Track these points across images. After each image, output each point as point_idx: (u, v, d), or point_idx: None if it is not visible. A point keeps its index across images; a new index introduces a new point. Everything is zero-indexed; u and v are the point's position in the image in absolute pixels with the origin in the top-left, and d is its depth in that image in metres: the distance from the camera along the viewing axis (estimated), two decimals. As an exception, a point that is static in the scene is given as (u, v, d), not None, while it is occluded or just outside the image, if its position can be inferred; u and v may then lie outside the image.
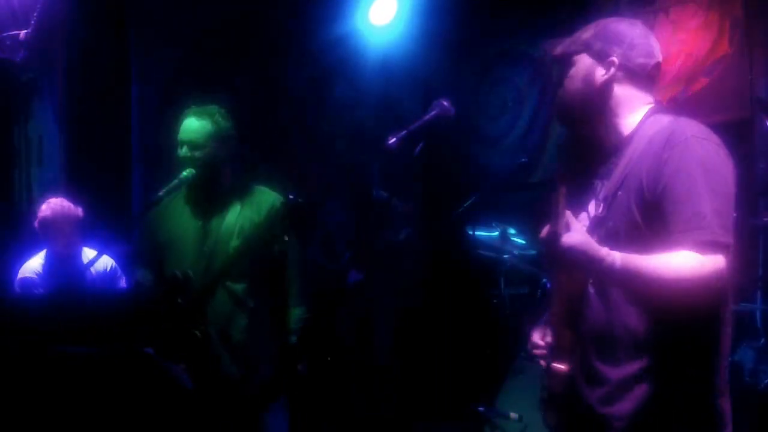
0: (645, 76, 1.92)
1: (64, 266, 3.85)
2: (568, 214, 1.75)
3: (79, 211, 3.93)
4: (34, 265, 3.93)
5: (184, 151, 3.01)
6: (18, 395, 2.36)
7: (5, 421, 2.33)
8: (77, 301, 2.79)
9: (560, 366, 1.87)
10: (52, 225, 3.84)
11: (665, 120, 1.84)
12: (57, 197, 3.95)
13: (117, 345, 2.52)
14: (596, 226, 1.87)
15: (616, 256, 1.72)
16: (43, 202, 3.94)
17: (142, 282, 3.14)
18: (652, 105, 1.92)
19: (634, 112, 1.90)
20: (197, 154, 3.01)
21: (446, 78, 5.46)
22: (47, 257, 3.93)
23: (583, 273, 1.86)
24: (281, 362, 3.13)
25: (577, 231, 1.74)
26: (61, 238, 3.85)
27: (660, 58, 1.94)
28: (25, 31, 4.48)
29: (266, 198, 3.14)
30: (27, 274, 3.90)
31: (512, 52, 5.49)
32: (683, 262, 1.67)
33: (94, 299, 2.94)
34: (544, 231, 1.80)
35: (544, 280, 3.96)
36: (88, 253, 3.96)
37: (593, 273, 1.82)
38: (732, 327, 1.85)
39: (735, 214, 1.75)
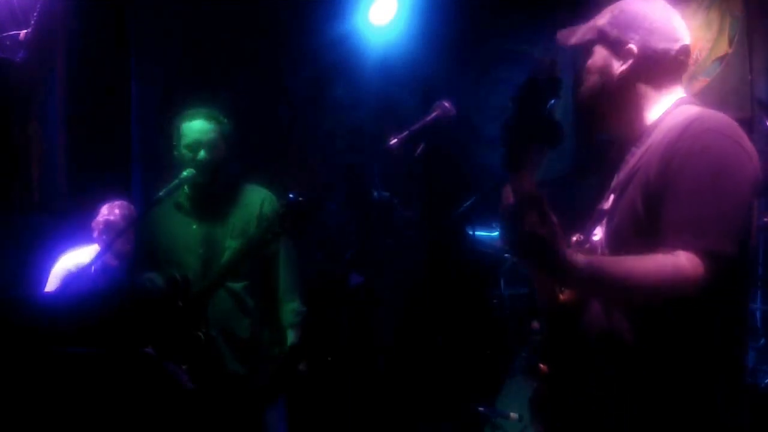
0: (669, 62, 1.73)
1: (119, 271, 3.76)
2: (541, 198, 1.49)
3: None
4: (79, 259, 3.81)
5: (202, 154, 3.00)
6: (19, 395, 2.36)
7: (6, 421, 2.33)
8: (79, 302, 2.79)
9: (543, 366, 1.75)
10: (117, 229, 3.72)
11: (692, 111, 1.67)
12: (120, 200, 3.88)
13: (117, 345, 2.51)
14: (601, 220, 1.73)
15: (581, 257, 1.49)
16: (105, 203, 3.85)
17: (151, 282, 3.10)
18: (682, 96, 1.74)
19: (660, 102, 1.73)
20: (214, 155, 3.02)
21: (446, 78, 5.45)
22: (102, 261, 3.76)
23: (535, 270, 1.68)
24: (282, 361, 3.13)
25: (546, 223, 1.46)
26: (124, 243, 3.74)
27: (687, 41, 1.74)
28: (25, 31, 4.47)
29: (256, 195, 3.16)
30: (71, 267, 3.79)
31: (512, 52, 5.48)
32: (658, 267, 1.49)
33: (95, 299, 2.93)
34: (506, 200, 1.54)
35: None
36: None
37: (548, 271, 1.56)
38: (746, 345, 1.69)
39: (748, 221, 1.57)
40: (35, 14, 4.47)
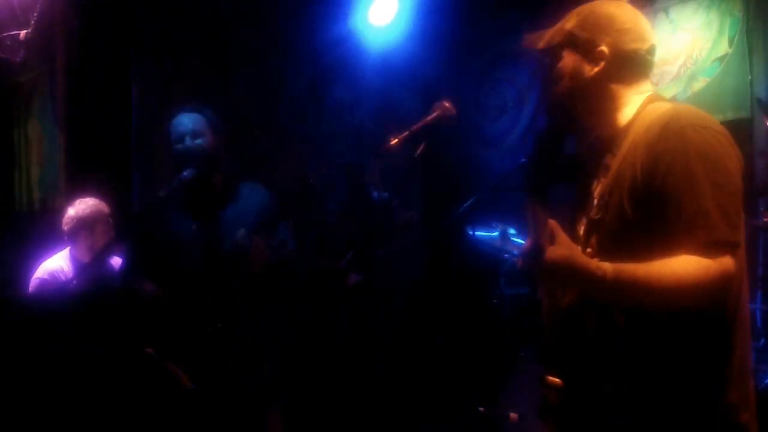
0: (639, 62, 1.74)
1: (95, 270, 3.60)
2: (553, 224, 1.56)
3: (109, 210, 3.79)
4: (52, 266, 3.76)
5: (186, 142, 3.01)
6: (19, 395, 2.36)
7: (7, 420, 2.33)
8: (80, 301, 2.79)
9: (555, 379, 1.74)
10: (90, 225, 3.69)
11: (663, 107, 1.67)
12: (88, 197, 3.80)
13: (117, 345, 2.52)
14: (593, 231, 1.71)
15: (608, 268, 1.52)
16: (73, 202, 3.79)
17: (158, 296, 3.04)
18: (650, 93, 1.75)
19: (631, 101, 1.73)
20: (198, 141, 3.01)
21: (446, 78, 5.46)
22: (74, 261, 3.75)
23: (572, 289, 1.70)
24: (283, 362, 3.13)
25: (562, 244, 1.54)
26: (98, 238, 3.69)
27: (654, 41, 1.76)
28: (25, 31, 4.48)
29: (255, 194, 3.16)
30: (44, 276, 3.73)
31: (512, 52, 5.48)
32: (685, 267, 1.49)
33: (97, 299, 2.93)
34: (526, 244, 1.62)
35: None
36: (112, 260, 3.82)
37: (582, 289, 1.64)
38: (750, 334, 1.67)
39: (742, 209, 1.58)
40: (35, 14, 4.48)
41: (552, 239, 1.54)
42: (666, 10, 4.48)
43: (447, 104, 2.39)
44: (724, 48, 4.23)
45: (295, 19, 5.25)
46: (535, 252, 1.55)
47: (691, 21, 4.38)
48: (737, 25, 4.19)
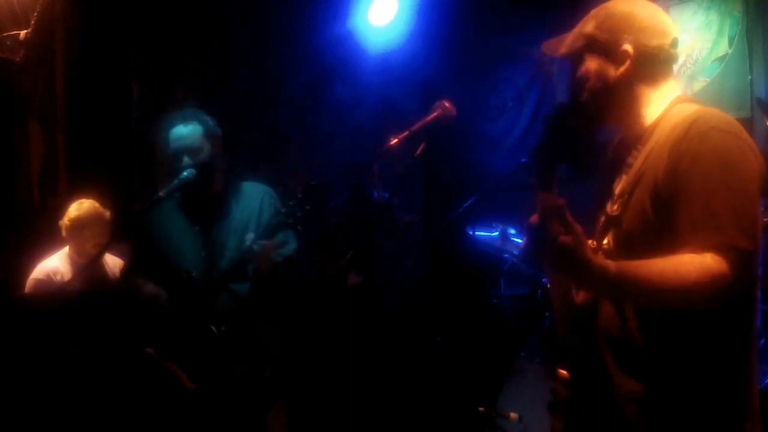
0: (664, 58, 1.73)
1: (89, 270, 3.70)
2: (563, 206, 1.52)
3: (108, 213, 3.86)
4: (48, 266, 3.81)
5: (185, 161, 2.99)
6: (18, 395, 2.36)
7: (6, 420, 2.33)
8: (81, 302, 2.79)
9: (562, 371, 1.75)
10: (83, 227, 3.76)
11: (690, 109, 1.66)
12: (87, 198, 3.88)
13: (117, 345, 2.52)
14: (610, 226, 1.71)
15: (611, 264, 1.51)
16: (72, 203, 3.87)
17: (158, 296, 3.05)
18: (679, 94, 1.74)
19: (658, 99, 1.73)
20: (199, 158, 3.01)
21: (446, 78, 5.45)
22: (72, 261, 3.82)
23: (569, 279, 1.68)
24: (283, 362, 3.13)
25: (569, 227, 1.50)
26: (89, 240, 3.77)
27: (675, 33, 1.77)
28: (26, 30, 4.48)
29: (255, 192, 3.15)
30: (40, 276, 3.79)
31: (512, 52, 5.48)
32: (687, 267, 1.47)
33: (93, 299, 2.93)
34: (531, 224, 1.57)
35: (545, 280, 3.96)
36: (108, 260, 3.89)
37: (582, 280, 1.58)
38: (757, 342, 1.67)
39: (761, 215, 1.57)
40: (35, 14, 4.48)
41: (564, 224, 1.49)
42: (666, 11, 4.47)
43: (447, 104, 2.39)
44: (724, 48, 4.24)
45: (295, 19, 5.25)
46: (542, 233, 1.51)
47: (691, 21, 4.39)
48: (737, 25, 4.19)
